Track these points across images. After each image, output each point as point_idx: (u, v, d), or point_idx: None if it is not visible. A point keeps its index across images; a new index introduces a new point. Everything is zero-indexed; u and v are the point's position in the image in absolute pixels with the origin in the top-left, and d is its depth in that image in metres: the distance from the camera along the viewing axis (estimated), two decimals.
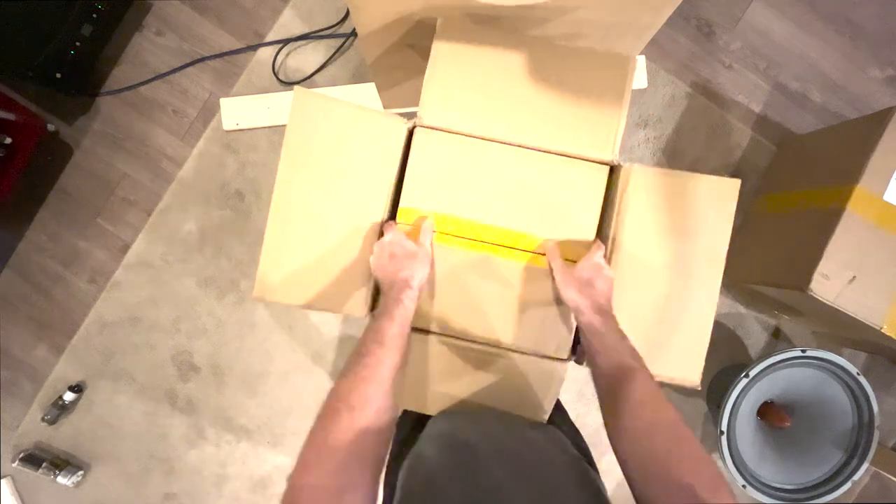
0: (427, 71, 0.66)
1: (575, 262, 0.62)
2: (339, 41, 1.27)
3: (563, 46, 0.68)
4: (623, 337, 0.55)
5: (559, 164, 0.66)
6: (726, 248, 0.65)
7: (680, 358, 0.65)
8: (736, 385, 1.10)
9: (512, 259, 0.66)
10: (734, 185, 0.65)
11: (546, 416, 0.67)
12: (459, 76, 0.66)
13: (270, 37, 1.28)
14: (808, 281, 0.93)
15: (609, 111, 0.65)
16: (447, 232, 0.66)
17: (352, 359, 0.50)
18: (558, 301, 0.65)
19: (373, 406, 0.46)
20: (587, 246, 0.65)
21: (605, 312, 0.57)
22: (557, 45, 0.68)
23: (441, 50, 0.66)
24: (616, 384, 0.50)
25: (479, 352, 0.66)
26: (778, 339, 1.31)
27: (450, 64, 0.66)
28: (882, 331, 0.92)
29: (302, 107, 0.64)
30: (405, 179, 0.66)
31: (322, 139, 0.64)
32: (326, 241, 0.65)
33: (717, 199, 0.65)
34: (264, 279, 0.64)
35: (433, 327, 0.66)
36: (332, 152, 0.64)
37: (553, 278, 0.63)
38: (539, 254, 0.65)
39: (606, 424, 0.51)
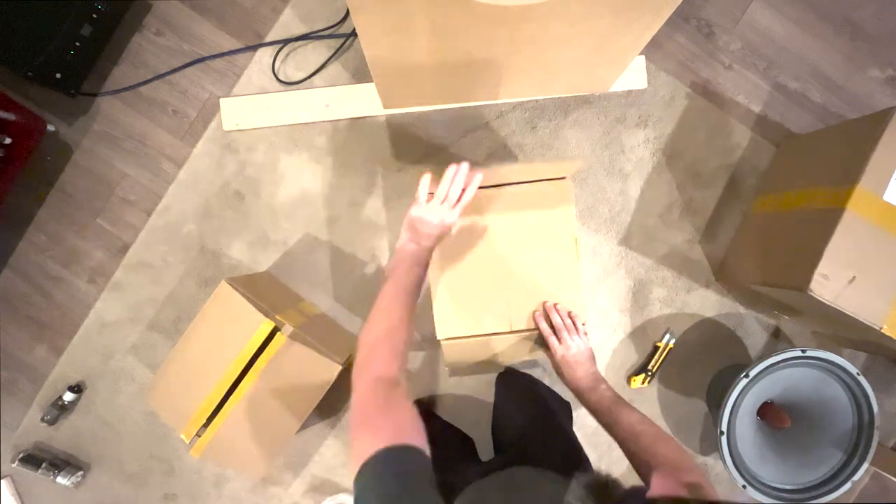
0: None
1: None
2: (339, 41, 1.27)
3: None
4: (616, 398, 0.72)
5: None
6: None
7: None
8: (736, 385, 1.10)
9: None
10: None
11: None
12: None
13: (270, 37, 1.28)
14: (808, 281, 0.93)
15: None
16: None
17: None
18: None
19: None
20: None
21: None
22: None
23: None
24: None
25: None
26: (778, 339, 1.31)
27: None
28: (882, 331, 0.92)
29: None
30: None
31: None
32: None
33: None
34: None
35: None
36: None
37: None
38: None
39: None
